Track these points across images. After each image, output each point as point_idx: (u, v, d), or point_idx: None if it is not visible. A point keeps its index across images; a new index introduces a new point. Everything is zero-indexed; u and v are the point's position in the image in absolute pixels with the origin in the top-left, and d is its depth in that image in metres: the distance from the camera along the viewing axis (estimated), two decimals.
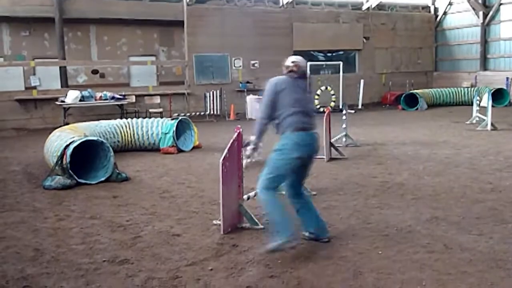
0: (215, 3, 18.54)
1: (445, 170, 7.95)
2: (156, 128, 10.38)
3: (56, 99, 14.97)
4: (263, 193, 4.53)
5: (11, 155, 10.42)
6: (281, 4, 19.77)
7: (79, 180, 7.34)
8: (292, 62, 4.72)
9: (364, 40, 21.49)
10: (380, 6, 21.83)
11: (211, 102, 17.53)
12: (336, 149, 9.26)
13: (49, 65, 17.87)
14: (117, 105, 15.33)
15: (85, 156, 7.85)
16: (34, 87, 17.37)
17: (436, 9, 23.40)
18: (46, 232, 5.24)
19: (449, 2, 22.75)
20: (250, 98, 17.65)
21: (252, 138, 4.71)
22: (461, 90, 20.11)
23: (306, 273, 4.03)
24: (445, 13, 23.12)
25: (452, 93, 20.06)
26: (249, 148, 4.77)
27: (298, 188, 4.80)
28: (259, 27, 18.85)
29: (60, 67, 17.18)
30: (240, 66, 18.91)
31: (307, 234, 4.80)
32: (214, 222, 5.34)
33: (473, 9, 21.46)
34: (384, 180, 7.35)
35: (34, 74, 18.40)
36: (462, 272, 3.97)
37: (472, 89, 19.70)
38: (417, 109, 18.77)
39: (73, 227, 5.39)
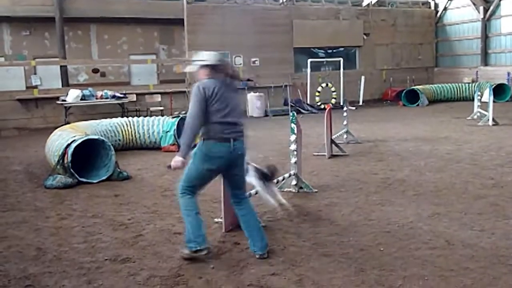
0: (215, 1, 18.51)
1: (447, 166, 7.94)
2: (157, 126, 10.38)
3: (57, 98, 14.97)
4: (180, 198, 4.39)
5: (12, 155, 10.43)
6: (281, 1, 19.75)
7: (81, 179, 7.34)
8: (216, 59, 4.33)
9: (365, 36, 21.46)
10: (380, 2, 21.80)
11: None
12: (337, 146, 9.25)
13: (49, 64, 17.87)
14: (118, 103, 15.33)
15: (87, 155, 7.86)
16: (35, 87, 17.37)
17: (436, 5, 23.35)
18: (48, 231, 5.25)
19: None
20: (250, 96, 17.65)
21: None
22: (462, 86, 20.09)
23: (308, 270, 4.03)
24: (445, 9, 23.08)
25: (453, 88, 20.04)
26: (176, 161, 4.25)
27: (236, 196, 4.53)
28: (259, 24, 18.82)
29: (60, 66, 17.18)
30: (241, 64, 18.87)
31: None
32: (216, 220, 5.34)
33: (474, 4, 21.42)
34: (385, 176, 7.34)
35: (35, 73, 18.41)
36: (464, 268, 3.97)
37: (473, 84, 19.67)
38: (418, 105, 18.75)
39: (75, 226, 5.40)
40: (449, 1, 22.85)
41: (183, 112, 15.57)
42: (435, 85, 20.64)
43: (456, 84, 20.30)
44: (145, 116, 11.53)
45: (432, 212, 5.49)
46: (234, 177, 4.46)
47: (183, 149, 4.27)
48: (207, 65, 4.31)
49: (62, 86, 16.81)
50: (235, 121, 4.31)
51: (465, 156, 8.72)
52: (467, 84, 20.17)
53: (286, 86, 18.83)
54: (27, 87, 17.69)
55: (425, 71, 23.14)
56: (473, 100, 14.99)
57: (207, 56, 4.36)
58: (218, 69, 4.32)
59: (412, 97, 19.16)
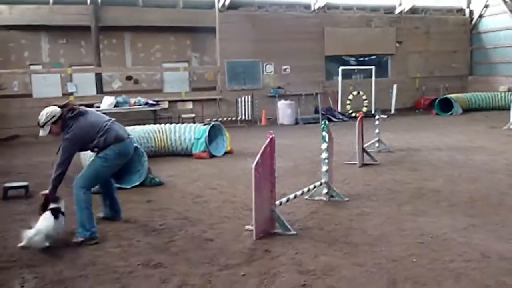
0: (247, 9, 18.64)
1: (482, 176, 7.77)
2: (189, 133, 10.49)
3: (92, 105, 15.28)
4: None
5: (49, 160, 10.66)
6: (312, 9, 19.74)
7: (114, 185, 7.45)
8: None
9: (397, 44, 21.24)
10: (413, 10, 21.54)
11: (243, 107, 17.62)
12: (369, 155, 9.17)
13: (85, 72, 18.29)
14: (151, 110, 15.57)
15: None
16: (71, 93, 17.80)
17: (471, 12, 22.92)
18: None
19: (485, 4, 22.27)
20: (281, 104, 17.67)
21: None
22: (497, 95, 19.63)
23: (339, 280, 4.00)
24: (480, 16, 22.63)
25: (488, 97, 19.58)
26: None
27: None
28: (291, 32, 18.83)
29: (95, 74, 17.58)
30: (272, 72, 18.94)
31: (102, 214, 5.92)
32: (246, 227, 5.35)
33: (510, 11, 20.94)
34: (418, 186, 7.23)
35: (71, 80, 18.87)
36: (501, 283, 3.86)
37: (510, 93, 19.20)
38: (452, 114, 18.42)
39: (108, 231, 5.49)
40: (484, 8, 22.41)
41: (214, 119, 15.75)
42: (470, 94, 20.21)
43: (492, 93, 19.84)
44: (177, 123, 11.66)
45: (467, 223, 5.38)
46: None
47: None
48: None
49: (97, 93, 17.19)
50: None
51: (501, 166, 8.51)
52: (503, 93, 19.69)
53: (317, 94, 18.78)
54: (63, 94, 18.15)
55: (460, 79, 22.70)
56: (509, 109, 14.62)
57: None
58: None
59: (446, 106, 18.82)
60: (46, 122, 5.22)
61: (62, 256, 4.72)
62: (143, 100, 15.38)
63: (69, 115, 5.22)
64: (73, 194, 5.30)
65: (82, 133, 5.23)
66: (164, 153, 10.57)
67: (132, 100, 15.25)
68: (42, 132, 5.38)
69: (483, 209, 5.96)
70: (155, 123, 12.53)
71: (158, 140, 10.43)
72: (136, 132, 10.20)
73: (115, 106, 14.78)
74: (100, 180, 5.60)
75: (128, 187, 7.58)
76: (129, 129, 10.28)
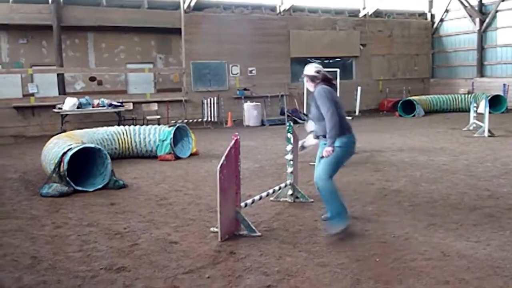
0: (213, 11, 18.61)
1: (443, 177, 7.96)
2: (154, 135, 10.38)
3: (54, 106, 14.97)
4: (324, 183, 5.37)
5: (8, 163, 10.39)
6: (278, 11, 19.86)
7: (77, 188, 7.32)
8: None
9: (361, 47, 21.58)
10: (377, 13, 21.95)
11: (209, 109, 17.55)
12: None
13: (46, 72, 17.87)
14: (115, 112, 15.33)
15: (83, 164, 7.85)
16: (32, 94, 17.37)
17: (432, 16, 23.53)
18: (43, 240, 5.22)
19: (446, 9, 22.90)
20: (247, 105, 17.69)
21: None
22: (458, 97, 20.18)
23: (304, 281, 4.03)
24: (441, 20, 23.26)
25: (449, 99, 20.11)
26: None
27: None
28: (256, 34, 18.91)
29: (57, 74, 17.20)
30: (237, 73, 18.95)
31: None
32: (212, 229, 5.33)
33: (470, 16, 21.59)
34: (381, 187, 7.35)
35: (32, 81, 18.41)
36: (460, 280, 3.96)
37: (469, 95, 19.77)
38: (414, 116, 18.82)
39: (70, 235, 5.38)
40: (445, 13, 23.03)
41: (180, 121, 15.63)
42: (431, 96, 20.72)
43: (452, 95, 20.39)
44: (141, 125, 11.52)
45: (428, 223, 5.50)
46: None
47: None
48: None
49: (59, 94, 16.81)
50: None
51: (461, 167, 8.74)
52: (463, 95, 20.26)
53: (282, 95, 18.89)
54: (23, 95, 17.69)
55: (421, 82, 23.26)
56: (469, 111, 15.05)
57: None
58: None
59: (408, 107, 19.23)
60: None
61: (21, 261, 4.59)
62: (106, 101, 15.13)
63: None
64: (320, 189, 5.42)
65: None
66: (128, 155, 10.43)
67: (96, 102, 14.98)
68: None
69: (443, 208, 6.11)
70: (119, 125, 12.32)
71: (122, 142, 10.29)
72: (100, 133, 10.04)
73: (78, 107, 14.49)
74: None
75: (91, 190, 7.44)
76: (92, 130, 10.16)
